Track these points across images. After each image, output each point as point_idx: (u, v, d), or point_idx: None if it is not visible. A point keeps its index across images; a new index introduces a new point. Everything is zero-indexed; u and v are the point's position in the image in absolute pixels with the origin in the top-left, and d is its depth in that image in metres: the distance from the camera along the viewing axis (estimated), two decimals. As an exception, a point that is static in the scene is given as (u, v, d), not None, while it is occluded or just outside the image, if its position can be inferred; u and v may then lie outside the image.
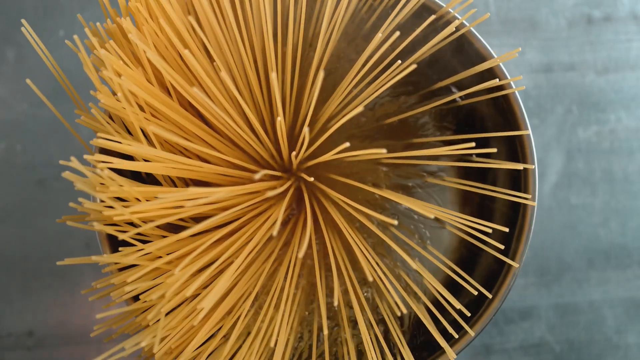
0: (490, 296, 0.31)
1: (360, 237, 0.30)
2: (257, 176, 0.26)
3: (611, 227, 0.46)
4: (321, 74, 0.26)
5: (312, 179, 0.31)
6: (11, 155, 0.45)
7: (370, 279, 0.28)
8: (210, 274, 0.28)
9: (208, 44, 0.28)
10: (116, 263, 0.28)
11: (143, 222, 0.28)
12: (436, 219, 0.35)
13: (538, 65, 0.47)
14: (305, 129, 0.27)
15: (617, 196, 0.46)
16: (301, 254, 0.27)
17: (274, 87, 0.26)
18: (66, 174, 0.23)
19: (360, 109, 0.26)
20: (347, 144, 0.27)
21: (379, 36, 0.29)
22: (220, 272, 0.30)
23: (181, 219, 0.31)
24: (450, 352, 0.30)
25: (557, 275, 0.45)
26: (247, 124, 0.31)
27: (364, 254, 0.29)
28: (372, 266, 0.29)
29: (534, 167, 0.32)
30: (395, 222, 0.28)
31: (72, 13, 0.46)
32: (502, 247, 0.31)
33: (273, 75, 0.25)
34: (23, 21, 0.27)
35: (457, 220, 0.30)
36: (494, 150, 0.31)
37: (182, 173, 0.29)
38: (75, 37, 0.27)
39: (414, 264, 0.28)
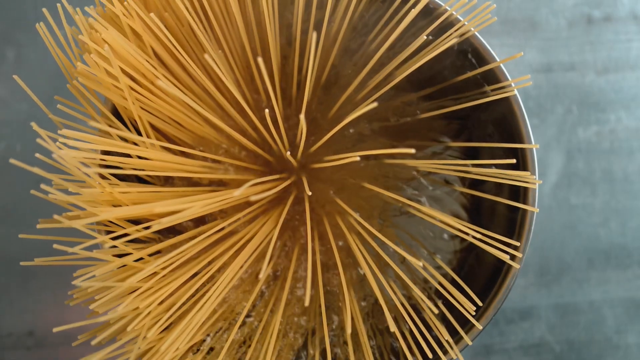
0: (481, 304, 0.31)
1: (377, 269, 0.30)
2: (238, 192, 0.25)
3: (611, 227, 0.46)
4: (314, 36, 0.25)
5: (309, 194, 0.29)
6: (11, 155, 0.45)
7: (393, 328, 0.27)
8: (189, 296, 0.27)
9: (197, 26, 0.28)
10: (122, 265, 0.28)
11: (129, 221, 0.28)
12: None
13: (538, 65, 0.47)
14: (302, 118, 0.26)
15: (617, 196, 0.46)
16: (307, 302, 0.26)
17: (262, 72, 0.25)
18: (13, 161, 0.23)
19: (374, 104, 0.25)
20: (357, 159, 0.26)
21: (392, 35, 0.28)
22: (209, 279, 0.30)
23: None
24: (458, 352, 0.30)
25: (557, 275, 0.45)
26: (241, 114, 0.30)
27: (378, 279, 0.29)
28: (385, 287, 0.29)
29: (536, 180, 0.31)
30: (421, 263, 0.28)
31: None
32: (512, 253, 0.31)
33: (259, 60, 0.24)
34: (44, 10, 0.27)
35: (475, 230, 0.29)
36: (512, 161, 0.31)
37: (161, 167, 0.29)
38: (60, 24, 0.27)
39: (431, 306, 0.28)
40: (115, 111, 0.30)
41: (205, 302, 0.27)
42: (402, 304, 0.30)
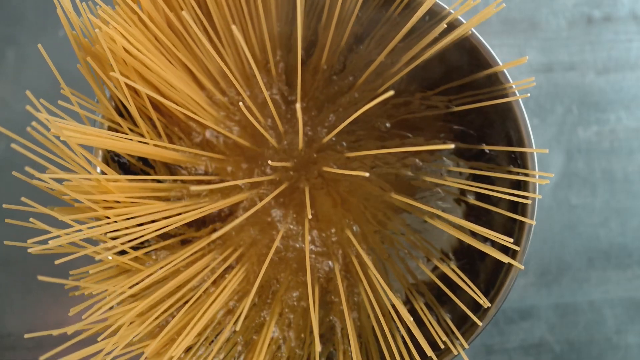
0: (489, 304, 0.31)
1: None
2: (196, 189, 0.24)
3: (611, 227, 0.46)
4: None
5: (309, 216, 0.29)
6: (11, 155, 0.45)
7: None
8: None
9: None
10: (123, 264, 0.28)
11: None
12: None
13: (538, 65, 0.47)
14: (298, 107, 0.26)
15: (617, 196, 0.46)
16: (318, 348, 0.25)
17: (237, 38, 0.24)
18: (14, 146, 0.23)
19: (390, 92, 0.25)
20: (367, 174, 0.26)
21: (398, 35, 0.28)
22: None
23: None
24: (462, 352, 0.30)
25: (557, 275, 0.45)
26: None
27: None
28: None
29: (536, 197, 0.31)
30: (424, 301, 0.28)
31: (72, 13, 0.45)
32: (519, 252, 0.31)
33: (234, 28, 0.24)
34: (55, 1, 0.27)
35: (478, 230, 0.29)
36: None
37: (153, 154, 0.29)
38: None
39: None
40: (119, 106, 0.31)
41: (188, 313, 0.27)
42: (399, 310, 0.30)
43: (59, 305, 0.44)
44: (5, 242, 0.28)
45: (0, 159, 0.45)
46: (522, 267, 0.30)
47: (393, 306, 0.31)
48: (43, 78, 0.35)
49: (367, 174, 0.26)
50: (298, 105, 0.25)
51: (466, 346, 0.30)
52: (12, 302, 0.44)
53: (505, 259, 0.30)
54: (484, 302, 0.30)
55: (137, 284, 0.27)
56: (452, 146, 0.25)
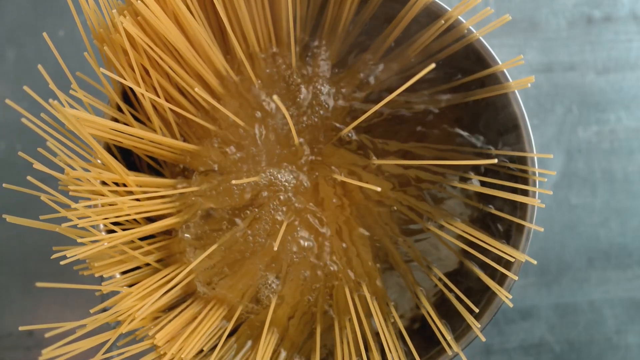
0: (476, 310, 0.31)
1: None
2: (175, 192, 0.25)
3: (611, 227, 0.46)
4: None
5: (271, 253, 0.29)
6: (11, 155, 0.45)
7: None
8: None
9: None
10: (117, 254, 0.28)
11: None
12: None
13: (538, 65, 0.47)
14: (276, 99, 0.26)
15: (617, 196, 0.46)
16: None
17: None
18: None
19: (432, 65, 0.24)
20: (379, 189, 0.25)
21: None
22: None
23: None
24: (458, 349, 0.30)
25: (557, 275, 0.45)
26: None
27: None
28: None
29: (537, 202, 0.31)
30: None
31: (72, 13, 0.45)
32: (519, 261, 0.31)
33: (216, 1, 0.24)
34: None
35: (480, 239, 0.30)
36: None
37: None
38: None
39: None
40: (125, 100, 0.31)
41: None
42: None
43: (59, 304, 0.44)
44: (8, 219, 0.29)
45: (0, 159, 0.45)
46: (535, 261, 0.30)
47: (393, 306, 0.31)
48: (43, 78, 0.35)
49: (379, 189, 0.25)
50: (276, 97, 0.25)
51: (478, 325, 0.30)
52: (12, 302, 0.44)
53: (506, 252, 0.30)
54: (505, 296, 0.30)
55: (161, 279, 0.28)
56: (495, 161, 0.25)
